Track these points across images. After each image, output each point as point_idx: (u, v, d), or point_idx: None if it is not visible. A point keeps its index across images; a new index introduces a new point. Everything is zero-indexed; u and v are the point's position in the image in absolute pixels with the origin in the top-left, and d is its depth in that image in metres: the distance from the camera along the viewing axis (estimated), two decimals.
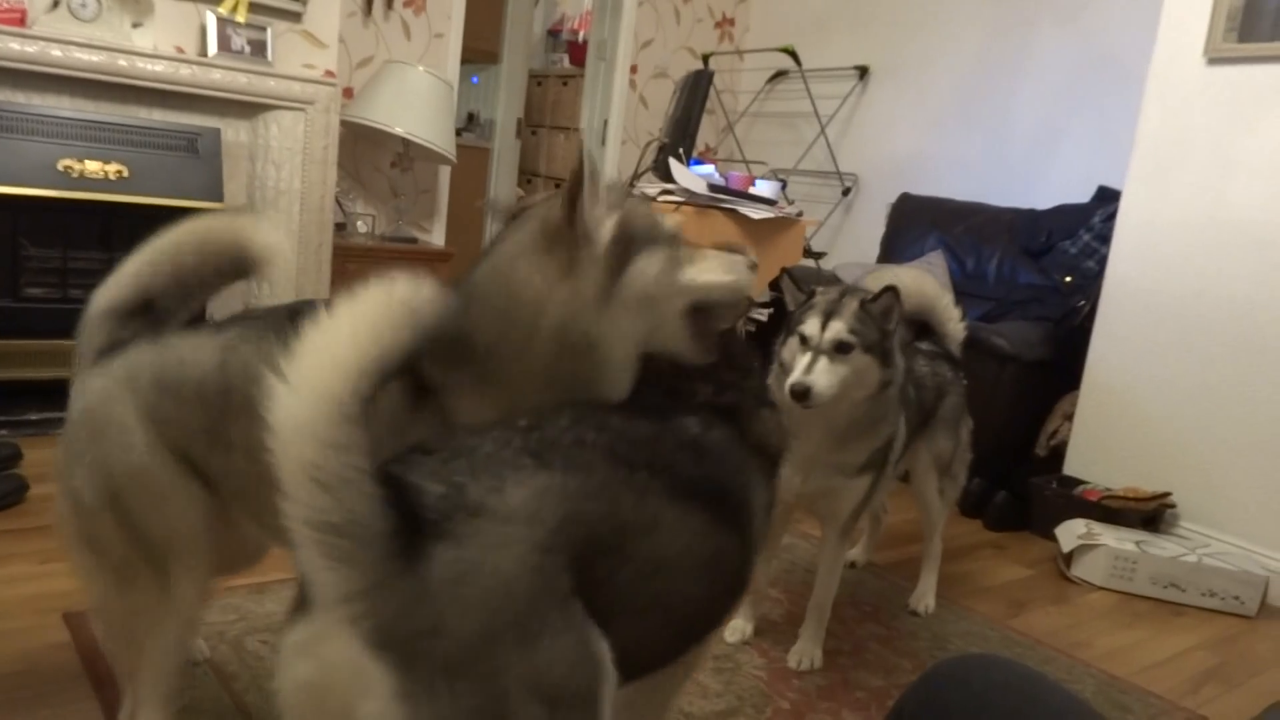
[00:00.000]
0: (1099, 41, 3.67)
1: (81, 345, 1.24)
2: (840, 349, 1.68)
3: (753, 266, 1.16)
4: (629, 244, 1.04)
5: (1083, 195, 3.56)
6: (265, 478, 0.74)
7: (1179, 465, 2.77)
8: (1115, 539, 2.57)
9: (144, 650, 1.20)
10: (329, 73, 3.27)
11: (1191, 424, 2.74)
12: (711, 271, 1.10)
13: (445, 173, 4.31)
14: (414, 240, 4.05)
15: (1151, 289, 2.85)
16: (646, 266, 1.05)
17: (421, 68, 3.76)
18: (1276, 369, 2.58)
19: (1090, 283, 3.17)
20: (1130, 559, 2.52)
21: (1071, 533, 2.63)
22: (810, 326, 1.70)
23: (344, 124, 3.50)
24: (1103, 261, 3.06)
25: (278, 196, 3.16)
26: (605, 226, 1.04)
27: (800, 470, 1.78)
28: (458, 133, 4.57)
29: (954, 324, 2.24)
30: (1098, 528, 2.63)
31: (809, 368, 1.68)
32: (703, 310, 1.10)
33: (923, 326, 2.22)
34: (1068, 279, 3.36)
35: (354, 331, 0.76)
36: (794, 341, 1.74)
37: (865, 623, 2.13)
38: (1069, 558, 2.59)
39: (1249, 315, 2.63)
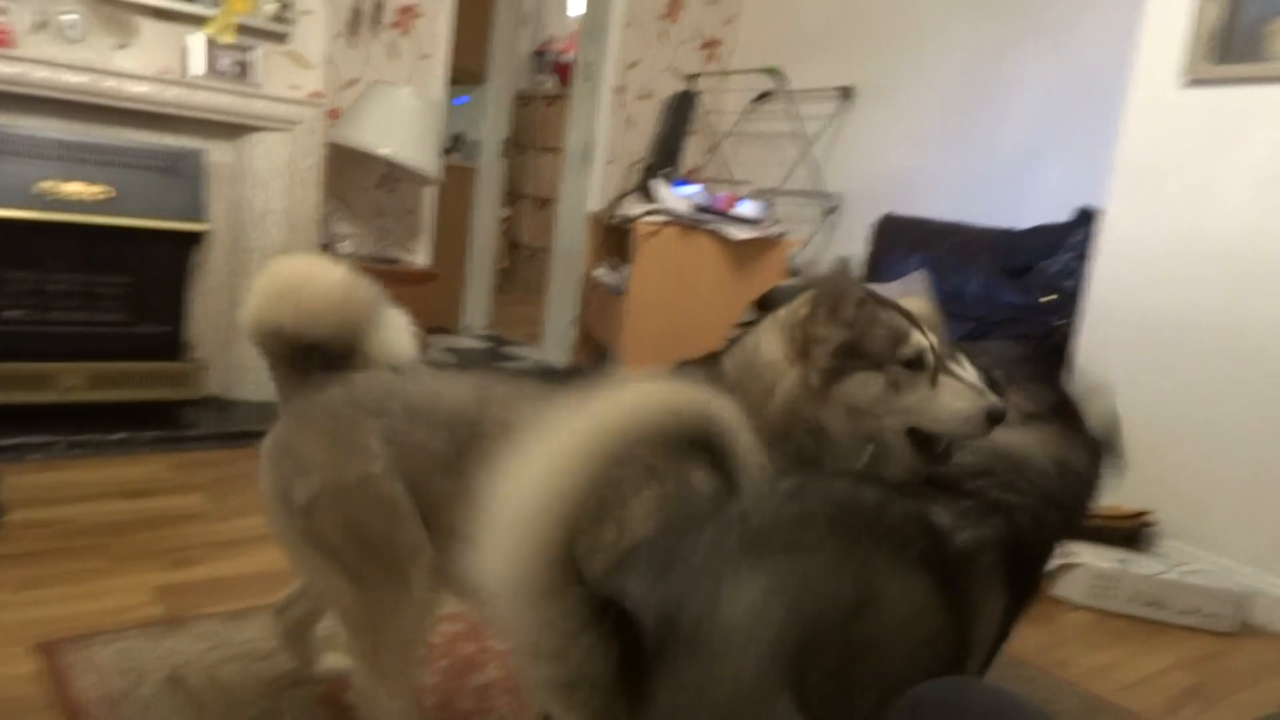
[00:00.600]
0: (1079, 63, 3.71)
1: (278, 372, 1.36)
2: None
3: (988, 401, 1.20)
4: (852, 358, 1.21)
5: (1063, 215, 3.59)
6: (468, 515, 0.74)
7: (1161, 483, 2.78)
8: (1096, 557, 2.58)
9: (384, 635, 1.30)
10: (315, 94, 3.28)
11: (1173, 442, 2.76)
12: (935, 401, 1.20)
13: (430, 193, 4.31)
14: (396, 261, 4.05)
15: (1132, 308, 2.88)
16: (862, 386, 1.21)
17: (408, 89, 3.77)
18: (1256, 387, 2.60)
19: (1070, 301, 3.19)
20: (1111, 577, 2.53)
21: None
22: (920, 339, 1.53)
23: (330, 145, 3.51)
24: (1081, 280, 3.09)
25: (262, 217, 3.16)
26: (833, 339, 1.21)
27: None
28: (444, 153, 4.58)
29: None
30: (1078, 546, 2.64)
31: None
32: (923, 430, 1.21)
33: None
34: (1048, 298, 3.38)
35: (579, 457, 0.69)
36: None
37: None
38: (1049, 577, 2.60)
39: (1228, 334, 2.66)
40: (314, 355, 1.33)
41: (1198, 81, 2.71)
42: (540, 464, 0.69)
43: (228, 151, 3.10)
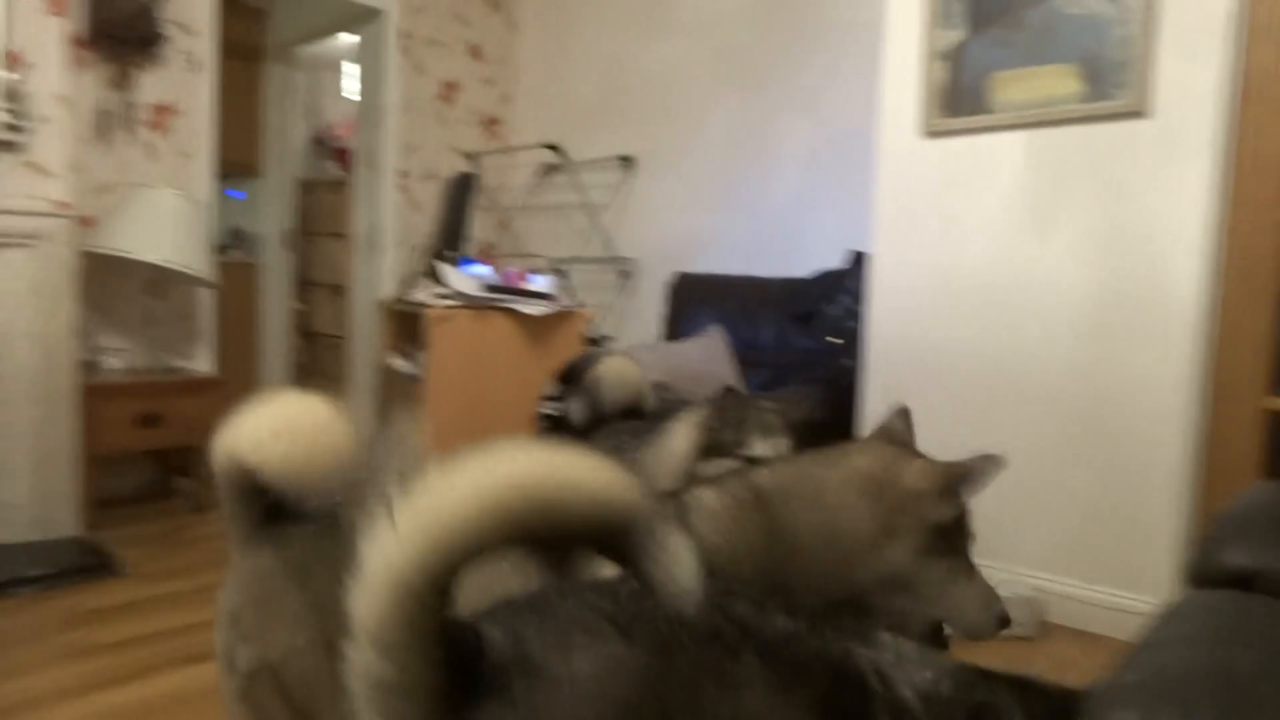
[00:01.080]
0: (831, 122, 4.00)
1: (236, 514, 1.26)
2: None
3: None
4: (942, 540, 1.23)
5: (839, 261, 3.83)
6: None
7: None
8: None
9: None
10: (62, 203, 3.04)
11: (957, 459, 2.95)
12: (965, 597, 1.24)
13: (208, 295, 4.08)
14: (176, 370, 3.79)
15: (906, 342, 3.08)
16: (940, 572, 1.24)
17: (171, 190, 3.56)
18: (1024, 403, 2.83)
19: (853, 342, 3.39)
20: None
21: None
22: (759, 447, 1.74)
23: (87, 255, 3.26)
24: (861, 321, 3.29)
25: (10, 340, 2.87)
26: (941, 518, 1.24)
27: None
28: (222, 249, 4.36)
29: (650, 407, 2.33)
30: None
31: None
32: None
33: (630, 410, 2.27)
34: (834, 340, 3.58)
35: (438, 519, 0.70)
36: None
37: None
38: None
39: (992, 357, 2.89)
40: (266, 495, 1.25)
41: (934, 133, 2.97)
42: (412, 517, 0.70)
43: None
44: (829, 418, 3.19)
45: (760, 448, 1.74)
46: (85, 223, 3.51)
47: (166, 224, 3.45)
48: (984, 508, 2.86)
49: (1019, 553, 2.85)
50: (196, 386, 3.65)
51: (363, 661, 0.71)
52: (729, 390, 1.89)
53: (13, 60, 2.94)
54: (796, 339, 3.79)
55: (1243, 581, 1.36)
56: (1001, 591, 2.61)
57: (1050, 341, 2.77)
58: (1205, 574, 1.42)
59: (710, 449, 1.73)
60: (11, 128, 2.92)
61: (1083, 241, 2.71)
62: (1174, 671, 1.10)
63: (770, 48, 4.19)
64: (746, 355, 3.90)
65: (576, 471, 0.73)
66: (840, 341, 3.60)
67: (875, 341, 3.17)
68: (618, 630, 0.79)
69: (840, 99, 3.97)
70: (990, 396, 2.90)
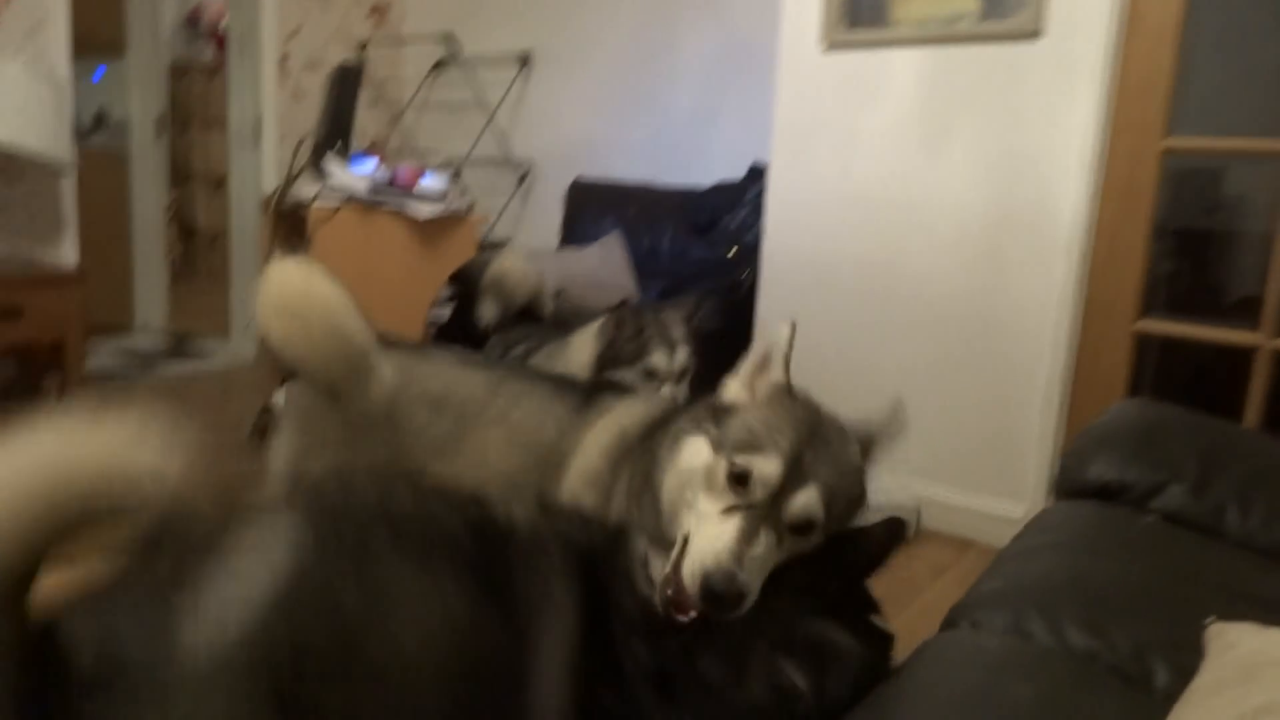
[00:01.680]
0: (735, 30, 3.92)
1: None
2: (683, 373, 1.77)
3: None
4: None
5: (738, 172, 3.81)
6: None
7: (840, 412, 3.04)
8: None
9: None
10: None
11: (849, 375, 3.02)
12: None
13: (68, 183, 3.77)
14: (33, 263, 3.52)
15: (802, 256, 3.10)
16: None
17: (18, 63, 3.25)
18: (913, 320, 2.90)
19: (751, 254, 3.40)
20: None
21: None
22: (659, 359, 1.75)
23: None
24: (759, 234, 3.29)
25: None
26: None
27: None
28: (85, 135, 4.03)
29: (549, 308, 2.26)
30: None
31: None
32: None
33: (525, 311, 2.20)
34: (731, 251, 3.59)
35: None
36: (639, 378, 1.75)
37: None
38: None
39: (885, 273, 2.94)
40: None
41: (835, 45, 2.94)
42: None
43: None
44: (727, 328, 3.22)
45: (660, 360, 1.75)
46: None
47: (17, 102, 3.15)
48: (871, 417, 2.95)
49: (902, 462, 2.95)
50: (59, 280, 3.41)
51: None
52: (623, 303, 1.88)
53: None
54: (695, 249, 3.78)
55: (1104, 493, 1.44)
56: (880, 499, 2.73)
57: (938, 259, 2.84)
58: (1070, 486, 1.50)
59: (610, 360, 1.72)
60: None
61: (974, 162, 2.75)
62: (1038, 577, 1.16)
63: None
64: (644, 264, 3.87)
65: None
66: (737, 252, 3.61)
67: (770, 255, 3.18)
68: (228, 574, 0.72)
69: (745, 5, 3.89)
70: (880, 312, 2.96)
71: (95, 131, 5.13)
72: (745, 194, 3.65)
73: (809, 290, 3.09)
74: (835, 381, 3.04)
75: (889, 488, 2.88)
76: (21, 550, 0.67)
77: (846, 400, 2.95)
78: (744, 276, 3.41)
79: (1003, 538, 1.44)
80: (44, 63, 3.56)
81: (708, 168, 4.01)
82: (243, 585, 0.69)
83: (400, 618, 0.72)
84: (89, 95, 4.89)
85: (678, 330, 1.79)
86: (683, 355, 1.76)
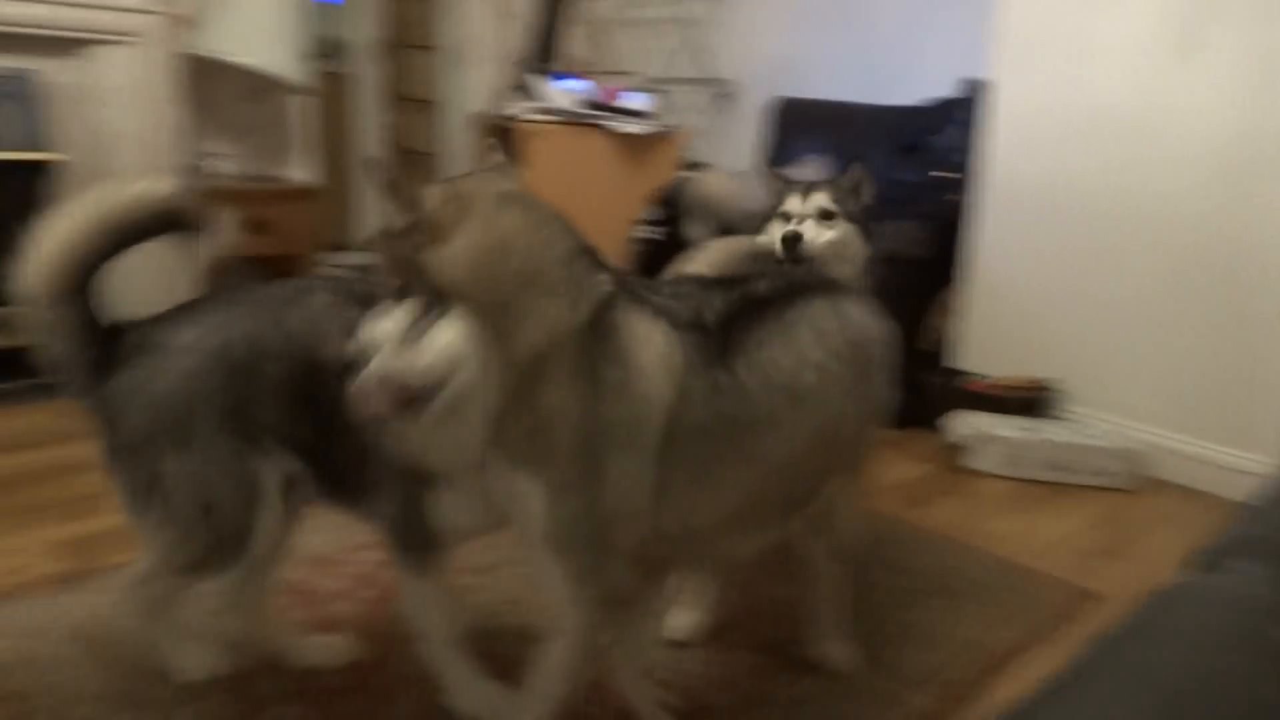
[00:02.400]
0: None
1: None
2: (825, 216, 1.75)
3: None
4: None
5: (949, 89, 3.59)
6: None
7: (1061, 350, 2.87)
8: (1005, 428, 2.66)
9: None
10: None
11: (1070, 308, 2.84)
12: None
13: (305, 103, 4.05)
14: (275, 179, 3.83)
15: (1024, 178, 2.91)
16: None
17: None
18: (1148, 249, 2.68)
19: (960, 176, 3.22)
20: (1018, 445, 2.62)
21: (961, 424, 2.72)
22: (793, 202, 1.76)
23: (189, 58, 3.24)
24: (969, 154, 3.10)
25: (115, 141, 2.91)
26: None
27: None
28: (320, 59, 4.29)
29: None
30: (985, 418, 2.73)
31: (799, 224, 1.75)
32: None
33: (728, 229, 2.02)
34: (939, 174, 3.41)
35: (76, 222, 1.21)
36: (776, 223, 1.78)
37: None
38: (961, 448, 2.69)
39: (1118, 197, 2.72)
40: None
41: None
42: (59, 221, 1.22)
43: (67, 71, 2.83)
44: (933, 254, 3.08)
45: (794, 203, 1.78)
46: (181, 22, 3.47)
47: (262, 25, 3.39)
48: (1089, 356, 2.78)
49: (1124, 404, 2.77)
50: (299, 195, 3.68)
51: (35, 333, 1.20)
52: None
53: None
54: (901, 171, 3.61)
55: None
56: (1103, 443, 2.57)
57: (1184, 182, 2.58)
58: None
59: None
60: None
61: (1228, 71, 2.47)
62: None
63: None
64: None
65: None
66: (947, 175, 3.42)
67: (988, 177, 3.00)
68: (222, 309, 1.27)
69: None
70: (1109, 240, 2.75)
71: (323, 56, 5.45)
72: (956, 111, 3.44)
73: (1031, 216, 2.90)
74: (1058, 314, 2.88)
75: (1107, 430, 2.71)
76: (86, 251, 1.20)
77: (1068, 337, 2.80)
78: (953, 199, 3.23)
79: (1239, 490, 1.32)
80: None
81: (915, 85, 3.79)
82: (221, 316, 1.28)
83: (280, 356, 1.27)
84: (323, 20, 5.18)
85: (824, 183, 1.79)
86: (821, 199, 1.75)
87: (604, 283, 1.13)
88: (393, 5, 5.94)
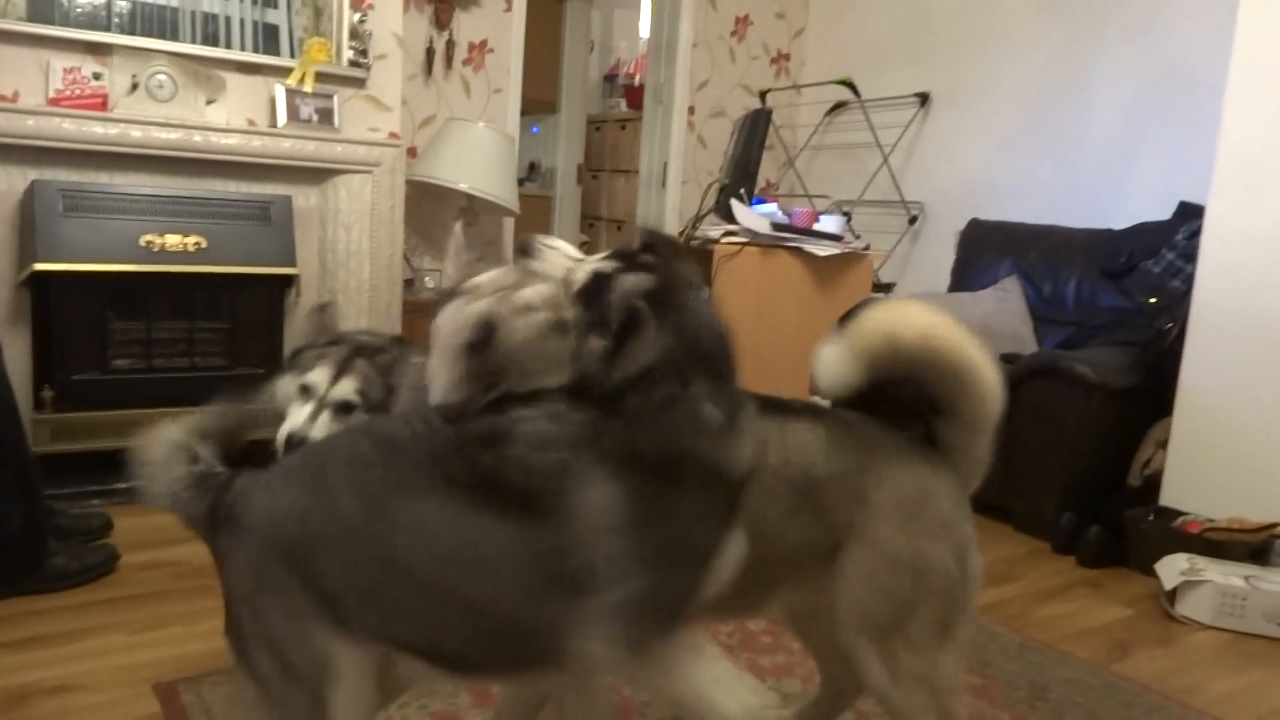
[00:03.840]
0: (1170, 53, 3.56)
1: None
2: (344, 409, 1.53)
3: None
4: None
5: (1162, 213, 3.44)
6: None
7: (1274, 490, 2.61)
8: (1222, 574, 2.43)
9: None
10: (393, 135, 3.35)
11: None
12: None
13: (509, 223, 4.36)
14: None
15: (1244, 307, 2.72)
16: None
17: (482, 123, 3.83)
18: None
19: (1177, 303, 3.04)
20: (1240, 595, 2.38)
21: (1174, 568, 2.50)
22: (318, 375, 1.54)
23: (409, 183, 3.58)
24: (1189, 280, 2.93)
25: (348, 258, 3.23)
26: None
27: None
28: (520, 183, 4.64)
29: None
30: (1201, 562, 2.49)
31: (312, 418, 1.52)
32: None
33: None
34: (1152, 300, 3.23)
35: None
36: (289, 383, 1.57)
37: None
38: (1172, 595, 2.46)
39: None
40: None
41: None
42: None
43: (313, 196, 3.18)
44: (1145, 385, 2.90)
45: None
46: (409, 153, 3.85)
47: (479, 155, 3.71)
48: None
49: None
50: None
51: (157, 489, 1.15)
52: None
53: (358, 1, 3.25)
54: (1105, 296, 3.46)
55: None
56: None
57: None
58: None
59: None
60: (356, 64, 3.24)
61: None
62: None
63: None
64: (1044, 311, 3.62)
65: None
66: (1156, 302, 3.25)
67: (1203, 305, 2.82)
68: (285, 480, 1.12)
69: (1175, 26, 3.52)
70: None
71: (529, 179, 5.87)
72: (1173, 235, 3.28)
73: (1251, 347, 2.69)
74: (1274, 455, 2.63)
75: None
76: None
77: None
78: (1167, 328, 3.05)
79: None
80: (499, 122, 4.15)
81: (1122, 208, 3.66)
82: (291, 492, 1.14)
83: (403, 527, 1.07)
84: (526, 147, 5.61)
85: (359, 366, 1.55)
86: (347, 388, 1.52)
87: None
88: (592, 133, 6.36)
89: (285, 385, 1.56)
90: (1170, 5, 3.54)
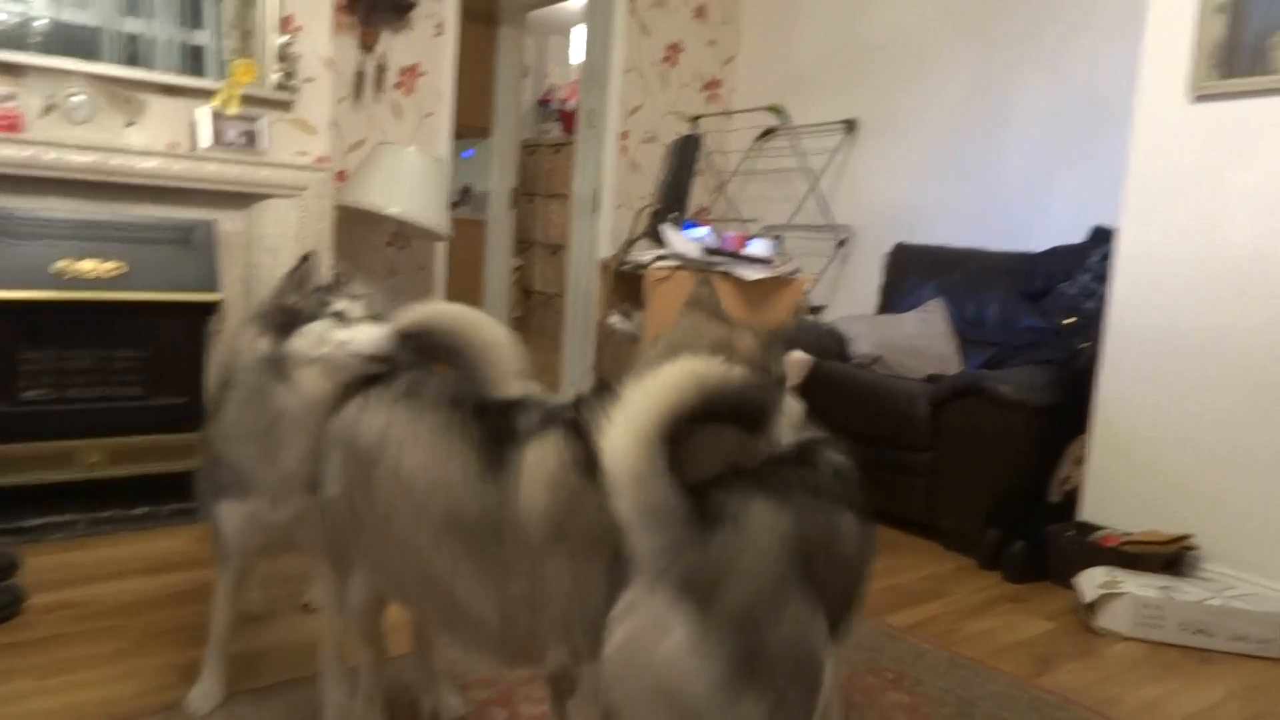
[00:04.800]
0: (1082, 84, 3.70)
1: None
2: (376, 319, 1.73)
3: None
4: None
5: (1077, 236, 3.56)
6: None
7: (1197, 504, 2.71)
8: (1139, 586, 2.51)
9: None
10: (321, 158, 3.31)
11: (1207, 461, 2.70)
12: None
13: (441, 248, 4.33)
14: None
15: (1155, 326, 2.83)
16: None
17: (413, 147, 3.80)
18: (1277, 399, 2.55)
19: (1092, 323, 3.15)
20: (1156, 605, 2.46)
21: (1092, 581, 2.57)
22: (347, 303, 1.72)
23: (339, 207, 3.53)
24: (1103, 301, 3.04)
25: (269, 282, 3.16)
26: None
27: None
28: (453, 207, 4.62)
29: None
30: (1119, 574, 2.57)
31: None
32: None
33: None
34: (1068, 320, 3.34)
35: (653, 394, 1.06)
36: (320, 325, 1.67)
37: (887, 691, 2.07)
38: (1092, 608, 2.53)
39: (1255, 346, 2.61)
40: None
41: (1204, 96, 2.69)
42: (638, 391, 1.06)
43: (238, 220, 3.12)
44: (1062, 403, 2.99)
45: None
46: (338, 177, 3.80)
47: (410, 180, 3.68)
48: (1229, 511, 2.61)
49: (1269, 563, 2.57)
50: None
51: (629, 493, 1.04)
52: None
53: (285, 24, 3.21)
54: (1024, 318, 3.57)
55: None
56: (1248, 606, 2.39)
57: None
58: None
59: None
60: (282, 87, 3.20)
61: None
62: None
63: (1011, 2, 3.92)
64: (967, 332, 3.71)
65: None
66: (1072, 321, 3.36)
67: (1117, 324, 2.93)
68: (765, 490, 1.13)
69: (1089, 58, 3.67)
70: (1246, 395, 2.62)
71: (462, 203, 5.84)
72: (1086, 258, 3.40)
73: (1163, 364, 2.80)
74: (1194, 467, 2.73)
75: (1255, 594, 2.51)
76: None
77: (1205, 490, 2.66)
78: (1082, 347, 3.15)
79: None
80: (431, 146, 4.13)
81: (1040, 232, 3.79)
82: (777, 503, 1.15)
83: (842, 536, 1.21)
84: (459, 172, 5.59)
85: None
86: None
87: None
88: (526, 157, 6.37)
89: (316, 328, 1.67)
90: (1082, 38, 3.69)
